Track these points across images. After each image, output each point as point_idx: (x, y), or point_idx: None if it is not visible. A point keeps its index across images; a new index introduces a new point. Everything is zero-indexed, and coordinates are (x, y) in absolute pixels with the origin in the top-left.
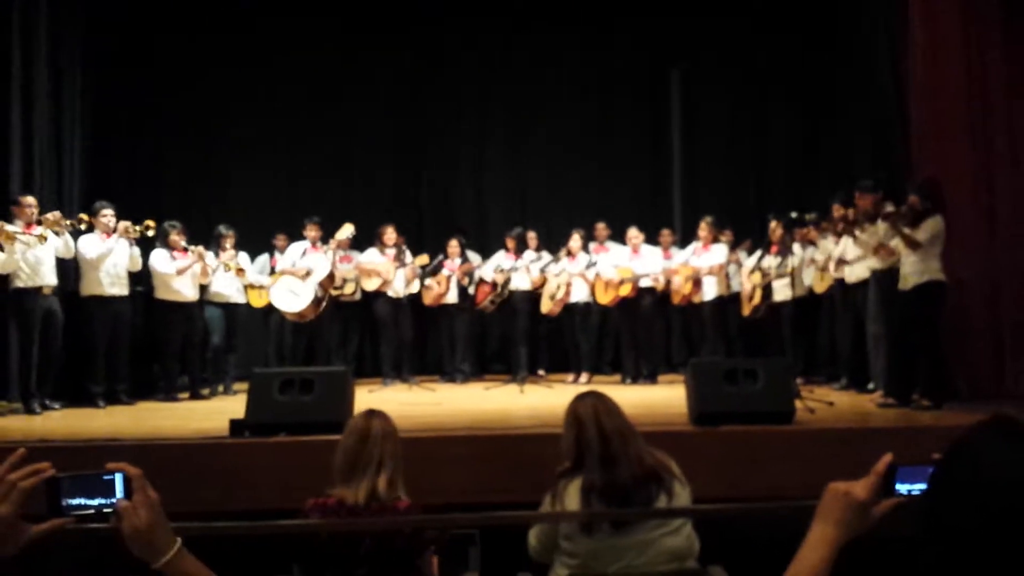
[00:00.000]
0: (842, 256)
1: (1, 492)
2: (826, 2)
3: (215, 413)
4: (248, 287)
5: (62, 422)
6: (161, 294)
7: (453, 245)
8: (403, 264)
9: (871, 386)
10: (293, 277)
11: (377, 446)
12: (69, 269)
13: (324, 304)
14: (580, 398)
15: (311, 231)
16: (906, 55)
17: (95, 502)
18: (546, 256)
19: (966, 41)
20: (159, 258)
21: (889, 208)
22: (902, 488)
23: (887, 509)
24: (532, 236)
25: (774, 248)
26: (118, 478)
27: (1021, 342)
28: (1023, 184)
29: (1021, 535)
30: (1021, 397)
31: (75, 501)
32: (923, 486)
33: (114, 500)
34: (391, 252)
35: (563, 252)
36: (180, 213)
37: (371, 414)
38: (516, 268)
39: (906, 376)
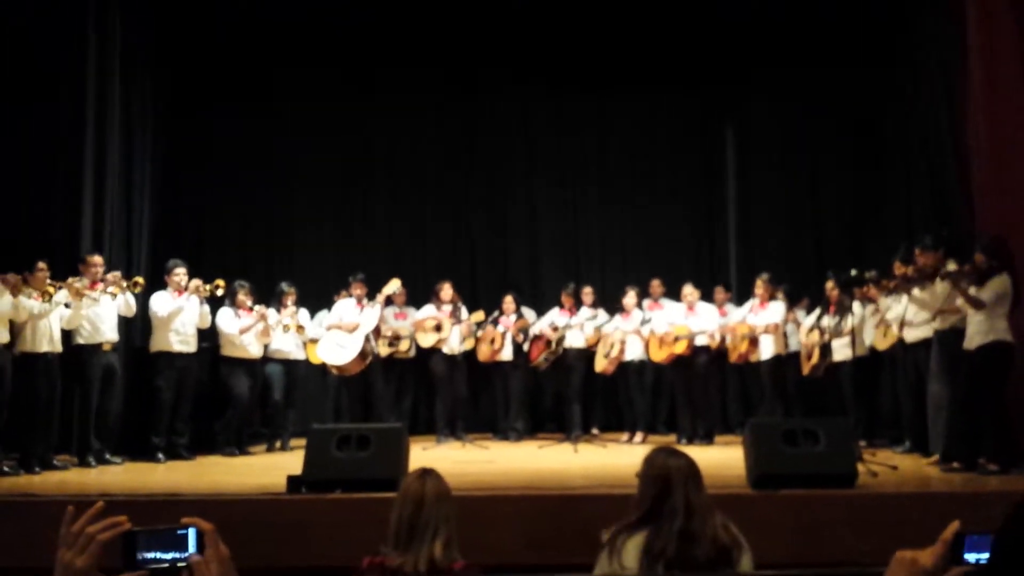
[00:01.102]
0: (904, 318)
1: (80, 545)
2: (883, 56)
3: (273, 469)
4: (307, 343)
5: (121, 476)
6: (228, 351)
7: (508, 302)
8: (459, 321)
9: (933, 451)
10: (340, 331)
11: (432, 511)
12: (133, 326)
13: (370, 359)
14: (671, 454)
15: (357, 288)
16: (966, 110)
17: (169, 556)
18: (601, 314)
19: None
20: (225, 317)
21: (951, 266)
22: (970, 557)
23: None
24: (588, 291)
25: (832, 307)
26: (191, 533)
27: None
28: None
29: None
30: None
31: (150, 555)
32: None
33: (187, 554)
34: (447, 308)
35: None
36: (243, 269)
37: (424, 475)
38: (571, 325)
39: (972, 439)
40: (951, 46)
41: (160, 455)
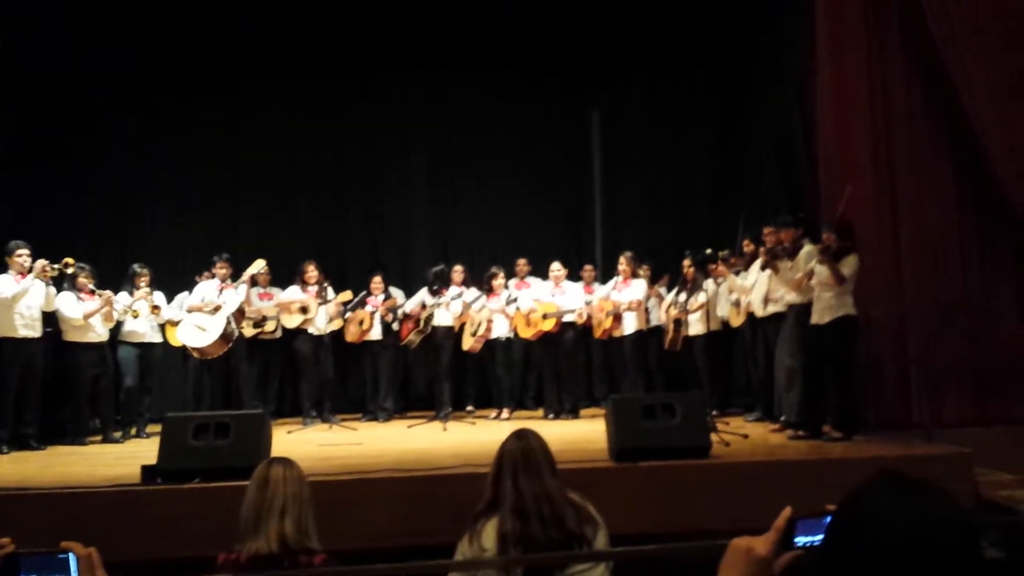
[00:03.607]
0: (767, 294)
1: None
2: (739, 44)
3: (127, 458)
4: (165, 325)
5: None
6: (71, 336)
7: (376, 282)
8: (325, 301)
9: (783, 417)
10: (201, 313)
11: (279, 490)
12: None
13: (233, 341)
14: (516, 438)
15: (221, 268)
16: (816, 104)
17: None
18: (469, 292)
19: (871, 82)
20: (66, 301)
21: (808, 245)
22: (801, 540)
23: (787, 562)
24: (458, 270)
25: (689, 284)
26: (71, 557)
27: (926, 376)
28: (926, 224)
29: None
30: (926, 428)
31: None
32: (821, 537)
33: None
34: (313, 289)
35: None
36: (95, 251)
37: (272, 461)
38: (439, 304)
39: (817, 408)
40: (804, 44)
41: (3, 447)
